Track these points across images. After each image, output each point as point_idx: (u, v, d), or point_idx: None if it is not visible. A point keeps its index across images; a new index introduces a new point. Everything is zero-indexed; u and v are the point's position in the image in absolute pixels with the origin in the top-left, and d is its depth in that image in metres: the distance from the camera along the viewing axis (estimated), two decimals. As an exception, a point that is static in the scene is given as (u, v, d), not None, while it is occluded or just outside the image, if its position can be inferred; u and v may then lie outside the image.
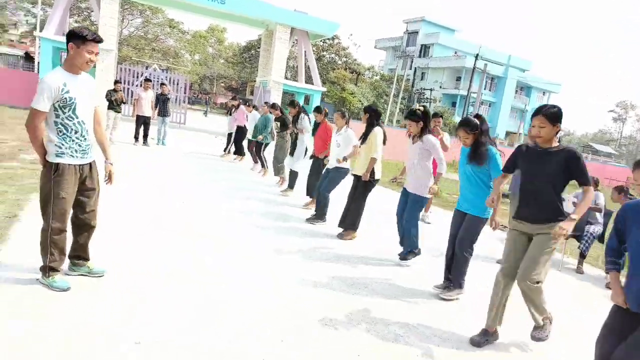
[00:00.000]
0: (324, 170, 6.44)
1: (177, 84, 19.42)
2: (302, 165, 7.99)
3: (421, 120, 4.66)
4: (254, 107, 10.89)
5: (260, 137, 9.39)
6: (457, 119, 41.15)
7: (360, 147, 5.58)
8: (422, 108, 4.68)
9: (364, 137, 5.46)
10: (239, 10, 18.03)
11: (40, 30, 17.26)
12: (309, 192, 7.23)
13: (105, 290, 3.14)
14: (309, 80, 21.90)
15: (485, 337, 3.31)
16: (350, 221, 5.53)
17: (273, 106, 8.96)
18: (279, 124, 8.58)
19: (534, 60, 64.71)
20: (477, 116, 3.94)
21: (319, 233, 5.66)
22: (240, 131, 11.17)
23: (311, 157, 7.27)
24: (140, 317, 2.85)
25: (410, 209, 4.75)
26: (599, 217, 6.05)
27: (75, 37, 2.85)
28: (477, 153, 3.84)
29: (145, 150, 10.62)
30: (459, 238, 3.99)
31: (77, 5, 33.28)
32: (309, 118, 7.94)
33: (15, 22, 40.58)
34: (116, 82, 11.11)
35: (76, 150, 2.98)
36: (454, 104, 45.82)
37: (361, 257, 4.94)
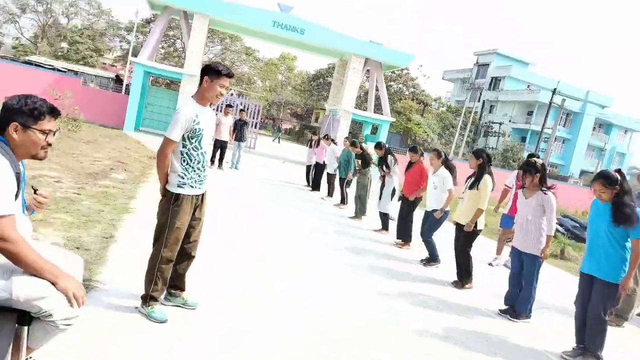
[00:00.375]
0: (423, 214, 6.23)
1: (249, 109, 20.15)
2: (391, 207, 7.81)
3: (539, 173, 4.33)
4: (332, 140, 10.96)
5: (350, 175, 9.27)
6: (526, 154, 39.15)
7: (464, 192, 5.28)
8: (538, 160, 4.38)
9: (473, 184, 5.14)
10: (318, 41, 18.51)
11: (134, 56, 18.76)
12: (400, 235, 6.91)
13: (197, 321, 3.12)
14: (376, 109, 21.87)
15: None
16: (464, 273, 5.24)
17: (353, 144, 8.92)
18: (360, 161, 8.53)
19: (615, 97, 60.52)
20: (618, 171, 3.60)
21: (416, 275, 5.44)
22: (319, 167, 11.23)
23: (399, 198, 7.01)
24: (234, 347, 2.78)
25: (528, 272, 4.39)
26: None
27: (211, 72, 2.96)
28: (625, 215, 3.46)
29: (221, 174, 10.96)
30: (592, 307, 3.61)
31: (165, 33, 36.03)
32: (395, 159, 7.79)
33: (110, 47, 44.70)
34: (200, 106, 11.68)
35: (196, 181, 3.05)
36: (523, 139, 43.84)
37: (463, 306, 4.64)
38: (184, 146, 2.96)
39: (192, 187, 3.02)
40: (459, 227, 5.24)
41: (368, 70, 20.98)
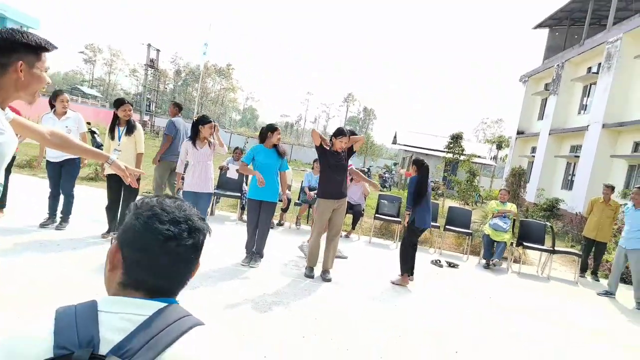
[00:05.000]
0: (49, 167, 5.28)
1: None
2: None
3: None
4: None
5: None
6: None
7: (119, 141, 5.09)
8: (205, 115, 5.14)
9: (129, 130, 5.10)
10: None
11: None
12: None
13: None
14: None
15: (312, 273, 5.01)
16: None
17: None
18: None
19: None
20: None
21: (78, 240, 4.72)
22: None
23: None
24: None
25: (204, 209, 5.16)
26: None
27: (26, 49, 1.54)
28: (282, 154, 5.12)
29: None
30: (264, 222, 5.08)
31: None
32: None
33: None
34: None
35: None
36: None
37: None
38: None
39: None
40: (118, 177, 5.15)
41: None
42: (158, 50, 35.22)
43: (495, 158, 32.87)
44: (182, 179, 5.27)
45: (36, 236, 4.86)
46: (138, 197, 0.99)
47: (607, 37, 15.43)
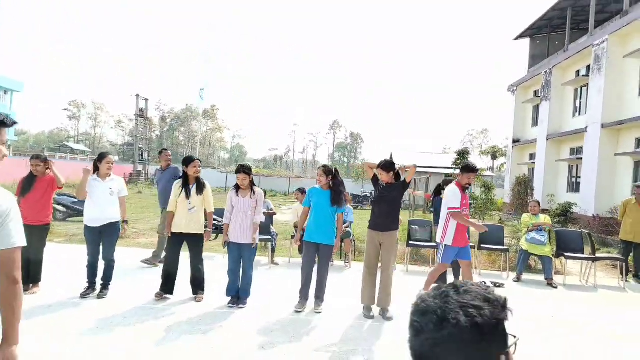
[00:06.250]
0: (87, 232, 5.06)
1: None
2: None
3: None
4: None
5: None
6: None
7: (189, 200, 5.10)
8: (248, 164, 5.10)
9: (199, 189, 5.10)
10: None
11: None
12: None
13: None
14: None
15: (370, 312, 4.82)
16: (201, 282, 5.20)
17: None
18: None
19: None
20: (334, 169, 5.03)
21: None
22: None
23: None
24: None
25: (250, 259, 5.00)
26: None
27: None
28: (339, 198, 4.91)
29: None
30: (322, 266, 4.93)
31: None
32: None
33: None
34: None
35: None
36: None
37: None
38: None
39: None
40: (192, 237, 5.12)
41: None
42: (146, 100, 35.37)
43: (491, 168, 33.15)
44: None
45: (81, 309, 4.62)
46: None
47: (592, 40, 15.87)
